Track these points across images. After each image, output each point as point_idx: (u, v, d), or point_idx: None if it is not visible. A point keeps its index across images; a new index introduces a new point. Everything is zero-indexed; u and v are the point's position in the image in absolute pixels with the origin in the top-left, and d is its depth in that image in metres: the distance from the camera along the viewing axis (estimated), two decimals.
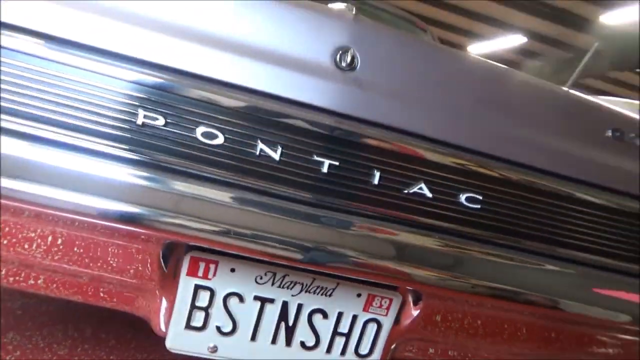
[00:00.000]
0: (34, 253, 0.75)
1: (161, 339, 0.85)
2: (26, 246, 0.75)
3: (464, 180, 0.82)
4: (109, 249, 0.77)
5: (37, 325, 1.20)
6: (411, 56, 0.84)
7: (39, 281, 0.82)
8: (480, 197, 0.83)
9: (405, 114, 0.81)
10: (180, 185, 0.73)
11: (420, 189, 0.81)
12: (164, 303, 0.81)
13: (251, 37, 0.78)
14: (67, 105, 0.72)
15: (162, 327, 0.82)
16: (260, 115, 0.75)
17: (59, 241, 0.75)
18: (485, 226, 0.84)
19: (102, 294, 0.84)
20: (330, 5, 0.89)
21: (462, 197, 0.82)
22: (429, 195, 0.81)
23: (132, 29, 0.73)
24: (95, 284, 0.82)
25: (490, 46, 12.13)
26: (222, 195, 0.74)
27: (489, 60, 0.94)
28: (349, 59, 0.80)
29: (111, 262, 0.78)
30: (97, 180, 0.71)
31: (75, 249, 0.77)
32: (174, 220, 0.72)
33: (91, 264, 0.78)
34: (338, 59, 0.80)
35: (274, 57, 0.78)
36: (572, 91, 1.00)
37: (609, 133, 0.94)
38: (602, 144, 0.92)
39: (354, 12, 0.86)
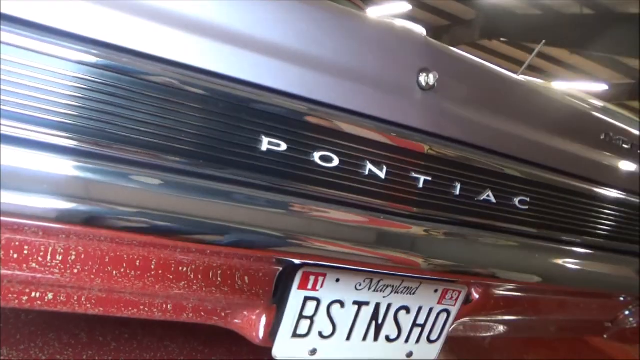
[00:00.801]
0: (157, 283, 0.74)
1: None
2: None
3: (519, 186, 0.96)
4: (222, 271, 0.79)
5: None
6: (480, 77, 0.95)
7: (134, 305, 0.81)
8: (528, 200, 0.98)
9: (480, 131, 0.92)
10: (303, 208, 0.77)
11: (488, 196, 0.93)
12: (269, 316, 0.85)
13: (351, 61, 0.82)
14: (190, 133, 0.70)
15: (264, 338, 0.86)
16: (365, 136, 0.81)
17: (185, 269, 0.75)
18: (532, 224, 0.99)
19: (198, 312, 0.85)
20: (402, 25, 0.93)
21: (517, 201, 0.97)
22: (494, 201, 0.94)
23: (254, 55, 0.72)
24: (195, 303, 0.83)
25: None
26: (340, 215, 0.79)
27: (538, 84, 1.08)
28: (431, 80, 0.87)
29: (220, 282, 0.80)
30: (227, 210, 0.72)
31: (191, 274, 0.77)
32: (300, 242, 0.76)
33: (199, 286, 0.79)
34: (422, 80, 0.87)
35: (368, 80, 0.83)
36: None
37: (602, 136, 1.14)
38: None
39: (425, 33, 0.93)
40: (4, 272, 0.67)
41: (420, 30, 0.95)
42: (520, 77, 1.05)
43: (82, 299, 0.76)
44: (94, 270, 0.71)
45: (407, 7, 12.06)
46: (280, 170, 0.75)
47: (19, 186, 0.58)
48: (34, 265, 0.68)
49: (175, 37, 0.66)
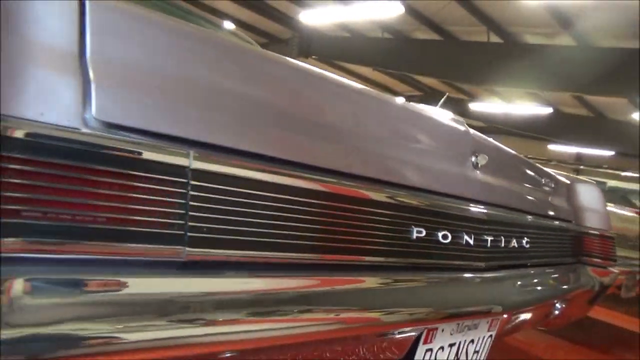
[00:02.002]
0: None
1: None
2: None
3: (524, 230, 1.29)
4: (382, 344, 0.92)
5: None
6: (502, 156, 1.25)
7: None
8: (528, 239, 1.32)
9: (517, 198, 1.22)
10: (439, 281, 0.95)
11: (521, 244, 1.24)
12: None
13: (437, 156, 1.03)
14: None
15: None
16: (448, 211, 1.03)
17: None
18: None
19: None
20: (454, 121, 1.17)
21: (524, 241, 1.29)
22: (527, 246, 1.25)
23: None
24: None
25: None
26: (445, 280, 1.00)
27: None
28: (481, 162, 1.14)
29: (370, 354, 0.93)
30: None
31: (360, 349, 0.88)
32: (439, 311, 0.94)
33: None
34: (474, 161, 1.13)
35: (444, 167, 1.06)
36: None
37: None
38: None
39: (465, 124, 1.19)
40: None
41: (462, 123, 1.20)
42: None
43: None
44: None
45: (231, 26, 12.30)
46: (425, 252, 0.93)
47: None
48: None
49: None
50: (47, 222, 0.48)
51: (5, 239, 0.45)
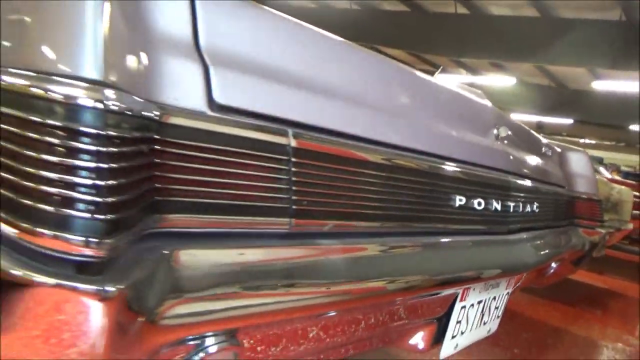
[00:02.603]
0: None
1: None
2: None
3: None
4: (419, 306, 1.00)
5: None
6: (519, 130, 1.33)
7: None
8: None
9: (527, 167, 1.31)
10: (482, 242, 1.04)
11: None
12: (439, 327, 1.09)
13: (469, 129, 1.11)
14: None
15: (431, 346, 1.10)
16: (482, 180, 1.11)
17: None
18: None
19: (393, 340, 1.04)
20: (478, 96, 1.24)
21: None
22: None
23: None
24: (396, 333, 1.02)
25: None
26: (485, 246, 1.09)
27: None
28: (502, 133, 1.22)
29: (412, 315, 1.01)
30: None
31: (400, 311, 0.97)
32: (482, 271, 1.03)
33: (402, 320, 0.99)
34: (496, 132, 1.21)
35: (474, 139, 1.13)
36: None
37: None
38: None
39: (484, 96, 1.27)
40: None
41: (486, 99, 1.28)
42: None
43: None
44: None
45: None
46: (464, 218, 1.01)
47: None
48: None
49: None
50: (191, 200, 0.53)
51: (166, 215, 0.50)
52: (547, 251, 1.44)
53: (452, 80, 1.23)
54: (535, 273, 1.65)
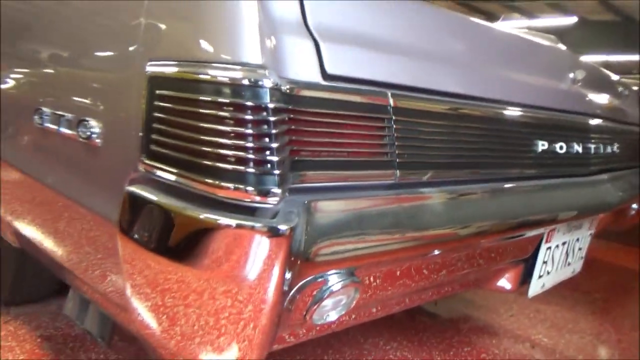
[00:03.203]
0: None
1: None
2: None
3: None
4: (508, 248, 1.06)
5: None
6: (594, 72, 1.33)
7: None
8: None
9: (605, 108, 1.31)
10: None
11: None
12: (525, 269, 1.15)
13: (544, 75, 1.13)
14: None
15: (519, 286, 1.16)
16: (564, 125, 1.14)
17: None
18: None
19: (482, 282, 1.11)
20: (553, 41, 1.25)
21: (615, 147, 1.40)
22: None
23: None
24: (483, 275, 1.10)
25: None
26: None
27: None
28: (578, 76, 1.23)
29: (502, 257, 1.07)
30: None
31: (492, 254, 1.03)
32: (563, 213, 1.07)
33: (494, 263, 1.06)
34: (573, 76, 1.22)
35: (554, 85, 1.15)
36: None
37: None
38: None
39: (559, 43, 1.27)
40: None
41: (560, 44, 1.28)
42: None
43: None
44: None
45: None
46: (548, 162, 1.05)
47: None
48: None
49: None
50: (316, 158, 0.62)
51: (302, 172, 0.59)
52: (628, 191, 1.44)
53: (509, 27, 1.22)
54: (617, 214, 1.65)
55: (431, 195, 0.75)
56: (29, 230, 0.97)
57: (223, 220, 0.50)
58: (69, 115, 0.69)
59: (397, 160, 0.72)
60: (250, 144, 0.50)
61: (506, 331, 1.83)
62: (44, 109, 0.76)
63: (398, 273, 0.79)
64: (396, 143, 0.71)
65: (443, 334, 1.74)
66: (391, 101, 0.71)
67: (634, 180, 1.57)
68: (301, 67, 0.62)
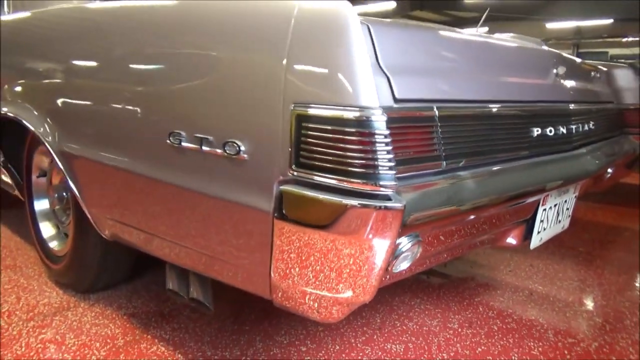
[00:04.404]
0: None
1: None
2: None
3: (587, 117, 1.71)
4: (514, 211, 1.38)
5: None
6: (571, 63, 1.64)
7: None
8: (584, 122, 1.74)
9: (582, 92, 1.62)
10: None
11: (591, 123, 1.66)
12: (526, 228, 1.47)
13: (542, 75, 1.43)
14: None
15: (522, 242, 1.48)
16: (552, 113, 1.45)
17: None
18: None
19: (495, 240, 1.43)
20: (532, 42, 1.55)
21: (588, 126, 1.72)
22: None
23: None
24: (496, 235, 1.41)
25: None
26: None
27: None
28: (560, 71, 1.53)
29: (509, 219, 1.38)
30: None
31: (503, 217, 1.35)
32: (557, 182, 1.38)
33: (504, 223, 1.37)
34: (556, 71, 1.53)
35: (542, 82, 1.46)
36: None
37: None
38: None
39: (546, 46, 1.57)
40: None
41: (542, 43, 1.58)
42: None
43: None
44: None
45: None
46: (543, 143, 1.36)
47: None
48: None
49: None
50: (399, 158, 0.91)
51: (400, 167, 0.89)
52: (604, 159, 1.77)
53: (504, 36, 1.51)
54: (595, 179, 1.98)
55: (466, 177, 1.06)
56: (149, 223, 1.25)
57: (361, 202, 0.79)
58: (211, 138, 0.97)
59: (443, 154, 1.01)
60: (372, 154, 0.79)
61: (507, 284, 2.16)
62: (181, 132, 1.03)
63: (445, 235, 1.10)
64: (442, 142, 1.01)
65: (456, 289, 2.07)
66: (436, 112, 1.00)
67: (608, 149, 1.90)
68: (380, 95, 0.90)
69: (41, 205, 2.00)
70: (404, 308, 1.87)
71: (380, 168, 0.80)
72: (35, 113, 1.61)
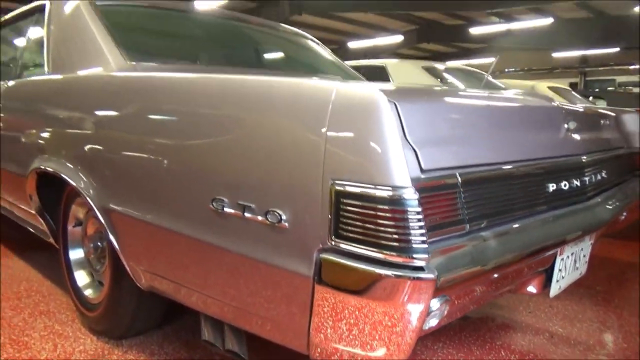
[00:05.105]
0: None
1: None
2: None
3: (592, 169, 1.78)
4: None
5: None
6: (583, 115, 1.72)
7: None
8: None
9: (594, 142, 1.70)
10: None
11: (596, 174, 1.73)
12: (546, 276, 1.53)
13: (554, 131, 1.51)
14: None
15: (542, 290, 1.54)
16: (566, 168, 1.52)
17: None
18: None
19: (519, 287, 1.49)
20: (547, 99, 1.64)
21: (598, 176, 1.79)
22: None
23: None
24: (519, 284, 1.47)
25: None
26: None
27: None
28: (571, 126, 1.62)
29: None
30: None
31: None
32: (572, 235, 1.45)
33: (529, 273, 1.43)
34: (566, 126, 1.61)
35: (554, 138, 1.54)
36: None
37: None
38: None
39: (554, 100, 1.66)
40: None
41: (553, 100, 1.67)
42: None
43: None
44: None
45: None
46: (559, 197, 1.43)
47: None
48: None
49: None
50: (438, 223, 1.00)
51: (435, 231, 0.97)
52: (618, 205, 1.83)
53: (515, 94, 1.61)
54: (610, 224, 2.04)
55: (488, 237, 1.13)
56: (187, 278, 1.34)
57: (396, 273, 0.87)
58: (253, 205, 1.06)
59: (467, 217, 1.09)
60: (405, 229, 0.87)
61: (527, 325, 2.20)
62: (224, 198, 1.13)
63: (470, 291, 1.16)
64: (465, 205, 1.09)
65: (477, 331, 2.11)
66: (459, 179, 1.09)
67: (621, 195, 1.97)
68: (411, 168, 0.99)
69: (76, 254, 2.10)
70: (427, 353, 1.91)
71: (413, 242, 0.88)
72: (78, 169, 1.72)
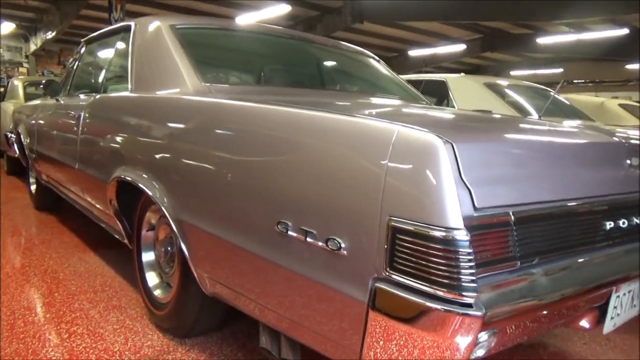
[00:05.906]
0: None
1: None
2: None
3: None
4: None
5: None
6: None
7: None
8: None
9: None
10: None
11: None
12: (600, 312, 1.53)
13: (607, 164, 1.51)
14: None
15: (596, 325, 1.53)
16: (626, 206, 1.51)
17: None
18: None
19: (574, 321, 1.50)
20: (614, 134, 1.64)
21: None
22: None
23: None
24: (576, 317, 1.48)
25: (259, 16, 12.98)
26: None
27: None
28: (634, 162, 1.60)
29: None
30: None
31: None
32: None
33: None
34: (629, 162, 1.59)
35: (615, 175, 1.53)
36: None
37: None
38: None
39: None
40: None
41: (614, 133, 1.66)
42: None
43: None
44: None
45: (287, 8, 12.71)
46: (617, 234, 1.43)
47: None
48: None
49: None
50: (489, 259, 1.05)
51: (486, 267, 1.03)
52: None
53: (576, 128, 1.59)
54: None
55: (539, 274, 1.17)
56: (249, 289, 1.46)
57: (445, 307, 0.94)
58: (315, 232, 1.16)
59: (518, 254, 1.14)
60: (457, 268, 0.94)
61: (580, 358, 2.16)
62: (288, 222, 1.24)
63: (518, 325, 1.20)
64: (517, 243, 1.14)
65: (527, 359, 2.10)
66: (512, 217, 1.13)
67: None
68: (464, 206, 1.05)
69: (148, 256, 2.29)
70: None
71: (462, 280, 0.94)
72: (155, 181, 1.89)
